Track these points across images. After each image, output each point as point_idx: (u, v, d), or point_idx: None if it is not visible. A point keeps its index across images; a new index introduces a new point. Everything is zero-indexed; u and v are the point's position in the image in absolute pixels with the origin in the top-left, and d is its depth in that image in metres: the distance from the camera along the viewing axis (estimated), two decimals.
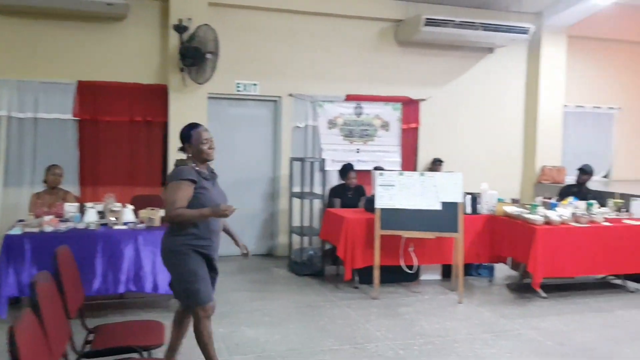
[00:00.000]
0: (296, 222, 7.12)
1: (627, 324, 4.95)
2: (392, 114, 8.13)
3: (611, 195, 6.60)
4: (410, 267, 5.82)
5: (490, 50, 8.48)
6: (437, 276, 6.37)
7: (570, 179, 7.77)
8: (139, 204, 5.43)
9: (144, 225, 4.94)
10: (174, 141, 6.69)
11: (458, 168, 6.99)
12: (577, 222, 5.74)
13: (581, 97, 9.23)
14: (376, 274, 5.59)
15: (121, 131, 6.84)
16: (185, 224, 3.24)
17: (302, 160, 7.08)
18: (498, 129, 8.61)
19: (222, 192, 3.49)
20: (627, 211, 6.19)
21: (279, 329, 4.48)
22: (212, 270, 3.41)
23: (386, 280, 5.91)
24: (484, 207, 6.25)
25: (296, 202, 7.14)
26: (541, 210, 5.88)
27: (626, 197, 6.40)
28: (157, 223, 4.96)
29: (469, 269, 6.51)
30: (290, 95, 7.55)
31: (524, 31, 7.74)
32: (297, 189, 7.15)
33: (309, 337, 4.42)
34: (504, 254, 6.12)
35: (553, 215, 5.69)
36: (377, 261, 5.58)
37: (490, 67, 8.53)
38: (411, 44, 8.00)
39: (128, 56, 6.89)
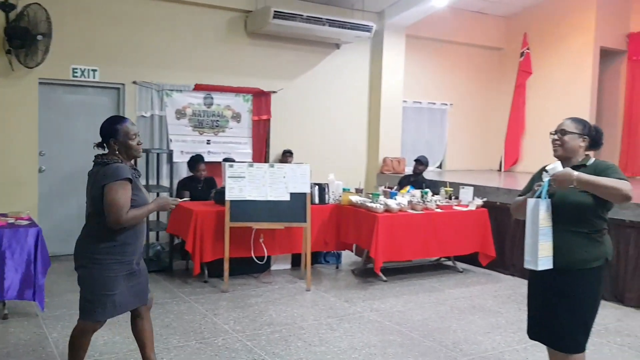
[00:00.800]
0: None
1: (455, 300, 5.45)
2: (243, 105, 8.10)
3: (443, 184, 7.20)
4: (260, 258, 5.86)
5: (337, 46, 8.79)
6: (287, 265, 6.49)
7: (409, 169, 8.33)
8: None
9: None
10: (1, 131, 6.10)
11: (308, 159, 7.16)
12: (413, 209, 6.18)
13: (418, 94, 9.95)
14: (226, 266, 5.54)
15: None
16: (112, 230, 2.95)
17: (147, 151, 6.78)
18: (345, 122, 8.97)
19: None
20: (456, 198, 6.80)
21: (120, 329, 4.26)
22: (135, 277, 3.12)
23: (237, 272, 5.91)
24: (331, 197, 6.49)
25: None
26: (382, 199, 6.25)
27: (456, 186, 7.03)
28: None
29: (318, 257, 6.73)
30: (135, 82, 7.18)
31: (367, 29, 8.13)
32: (142, 181, 6.81)
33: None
34: (349, 241, 6.40)
35: (392, 203, 6.07)
36: (226, 254, 5.54)
37: (337, 62, 8.85)
38: (261, 35, 8.02)
39: None
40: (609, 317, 4.97)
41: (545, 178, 2.75)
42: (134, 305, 3.18)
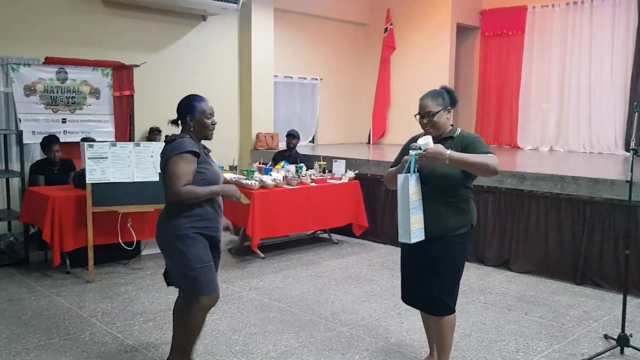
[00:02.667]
0: None
1: (332, 272, 5.54)
2: (102, 80, 7.50)
3: (317, 158, 7.25)
4: (129, 244, 5.51)
5: (203, 17, 8.43)
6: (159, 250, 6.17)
7: (283, 145, 8.28)
8: None
9: None
10: None
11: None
12: (289, 184, 6.15)
13: (289, 69, 9.91)
14: (90, 255, 5.14)
15: None
16: (190, 204, 2.90)
17: None
18: (215, 98, 8.48)
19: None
20: (330, 172, 6.89)
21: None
22: (216, 252, 3.11)
23: (103, 260, 5.54)
24: None
25: None
26: (257, 175, 6.14)
27: (329, 160, 7.11)
28: None
29: None
30: None
31: (234, 0, 7.87)
32: None
33: (9, 337, 3.83)
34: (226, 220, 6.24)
35: (267, 179, 5.99)
36: (90, 241, 5.14)
37: (204, 35, 8.50)
38: (120, 4, 7.46)
39: None
40: (472, 277, 5.33)
41: (412, 152, 2.77)
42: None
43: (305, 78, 10.25)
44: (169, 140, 3.01)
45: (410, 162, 2.77)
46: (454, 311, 3.02)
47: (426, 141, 2.76)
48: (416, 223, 2.80)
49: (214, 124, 3.06)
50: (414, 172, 2.78)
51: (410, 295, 3.14)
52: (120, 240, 5.46)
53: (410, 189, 2.76)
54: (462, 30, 10.41)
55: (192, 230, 2.93)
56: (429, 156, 2.72)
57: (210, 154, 3.12)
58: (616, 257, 4.91)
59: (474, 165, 2.76)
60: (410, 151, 2.80)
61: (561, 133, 9.66)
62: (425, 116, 2.95)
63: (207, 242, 3.02)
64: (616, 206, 4.88)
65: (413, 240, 2.78)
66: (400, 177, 2.79)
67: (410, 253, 3.06)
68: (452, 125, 3.02)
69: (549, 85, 9.70)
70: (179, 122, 3.06)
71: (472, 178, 2.95)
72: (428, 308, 3.07)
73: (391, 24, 10.73)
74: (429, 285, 2.99)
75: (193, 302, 3.01)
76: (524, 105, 10.01)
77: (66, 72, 7.15)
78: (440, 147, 2.74)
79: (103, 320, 4.18)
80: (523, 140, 10.06)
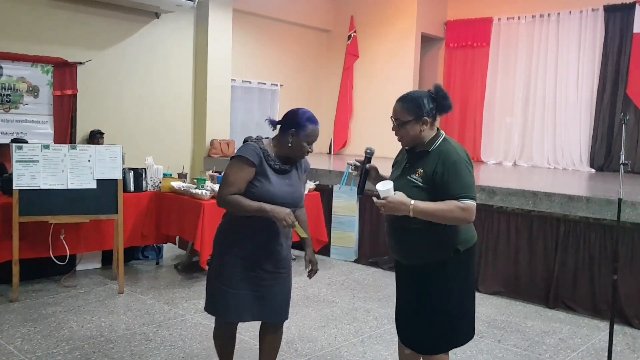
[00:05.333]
0: None
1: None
2: (42, 77, 6.91)
3: None
4: (62, 258, 4.92)
5: (156, 15, 7.92)
6: (97, 264, 5.60)
7: None
8: None
9: None
10: None
11: (122, 141, 6.25)
12: None
13: (248, 73, 9.46)
14: (15, 270, 4.53)
15: None
16: (236, 216, 2.67)
17: None
18: (167, 100, 8.15)
19: (297, 191, 2.76)
20: None
21: None
22: (262, 283, 2.72)
23: (31, 276, 4.96)
24: (149, 184, 5.72)
25: None
26: (208, 184, 5.64)
27: None
28: None
29: (134, 253, 5.93)
30: None
31: None
32: None
33: None
34: (172, 233, 5.70)
35: None
36: (15, 255, 4.53)
37: (157, 33, 7.97)
38: None
39: None
40: None
41: (348, 166, 2.55)
42: (254, 316, 2.77)
43: (264, 83, 9.81)
44: (244, 141, 2.81)
45: (344, 175, 2.46)
46: (439, 351, 2.55)
47: (386, 187, 2.35)
48: (340, 240, 2.51)
49: (308, 152, 2.72)
50: (343, 184, 2.47)
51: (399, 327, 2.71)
52: (51, 254, 4.88)
53: (334, 201, 2.45)
54: (426, 41, 10.19)
55: (227, 247, 2.72)
56: (389, 207, 2.32)
57: (290, 170, 2.75)
58: (591, 280, 4.63)
59: (441, 219, 2.34)
60: (347, 162, 2.51)
61: (525, 148, 9.49)
62: (394, 122, 2.51)
63: (241, 266, 2.70)
64: (592, 225, 4.60)
65: (332, 256, 2.53)
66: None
67: (397, 281, 2.71)
68: (438, 129, 2.54)
69: (514, 98, 9.54)
70: (279, 127, 2.74)
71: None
72: (407, 340, 2.64)
73: (355, 32, 10.43)
74: (410, 318, 2.60)
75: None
76: (488, 118, 9.82)
77: (1, 68, 6.56)
78: (401, 198, 2.33)
79: (22, 348, 3.61)
80: (487, 154, 9.86)
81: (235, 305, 2.70)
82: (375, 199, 2.37)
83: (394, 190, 2.37)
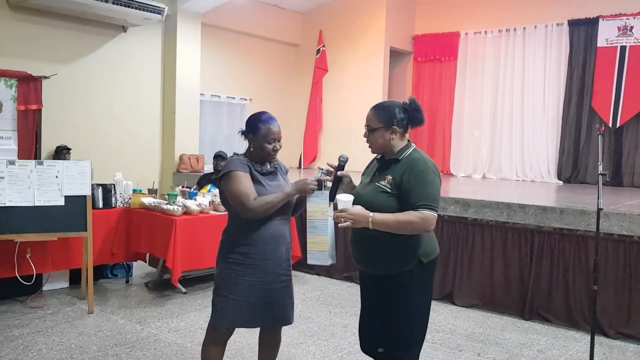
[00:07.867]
0: None
1: None
2: (5, 91, 6.73)
3: None
4: (28, 278, 4.73)
5: (123, 28, 7.78)
6: (65, 284, 5.40)
7: (209, 167, 7.71)
8: None
9: None
10: None
11: (90, 157, 6.05)
12: (215, 210, 5.56)
13: (216, 87, 9.38)
14: None
15: None
16: (239, 228, 2.73)
17: None
18: (134, 115, 7.99)
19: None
20: None
21: None
22: (270, 291, 2.74)
23: None
24: (119, 200, 5.57)
25: None
26: (180, 200, 5.51)
27: None
28: None
29: (104, 271, 5.75)
30: None
31: (158, 11, 7.31)
32: None
33: None
34: (142, 250, 5.55)
35: (192, 204, 5.39)
36: None
37: (125, 47, 7.83)
38: (28, 9, 6.71)
39: None
40: None
41: (319, 172, 2.67)
42: (259, 323, 2.84)
43: (233, 98, 9.74)
44: (226, 158, 2.75)
45: (315, 178, 2.62)
46: None
47: (346, 199, 2.43)
48: (315, 244, 2.60)
49: (275, 150, 2.79)
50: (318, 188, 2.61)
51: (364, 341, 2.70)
52: (17, 274, 4.68)
53: (308, 206, 2.61)
54: (395, 55, 10.29)
55: (232, 255, 2.75)
56: (348, 218, 2.37)
57: (275, 172, 2.85)
58: (565, 291, 4.67)
59: (400, 230, 2.38)
60: (319, 167, 2.61)
61: (494, 160, 9.63)
62: (366, 128, 2.58)
63: (247, 274, 2.72)
64: (566, 236, 4.66)
65: (309, 262, 2.61)
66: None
67: (361, 291, 2.72)
68: (409, 140, 2.59)
69: (482, 111, 9.68)
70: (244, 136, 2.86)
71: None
72: (368, 349, 2.67)
73: (323, 46, 10.48)
74: (372, 328, 2.62)
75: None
76: (457, 131, 9.94)
77: None
78: (360, 211, 2.38)
79: None
80: (456, 167, 9.97)
81: (247, 312, 2.75)
82: (332, 211, 2.48)
83: (364, 194, 2.48)
